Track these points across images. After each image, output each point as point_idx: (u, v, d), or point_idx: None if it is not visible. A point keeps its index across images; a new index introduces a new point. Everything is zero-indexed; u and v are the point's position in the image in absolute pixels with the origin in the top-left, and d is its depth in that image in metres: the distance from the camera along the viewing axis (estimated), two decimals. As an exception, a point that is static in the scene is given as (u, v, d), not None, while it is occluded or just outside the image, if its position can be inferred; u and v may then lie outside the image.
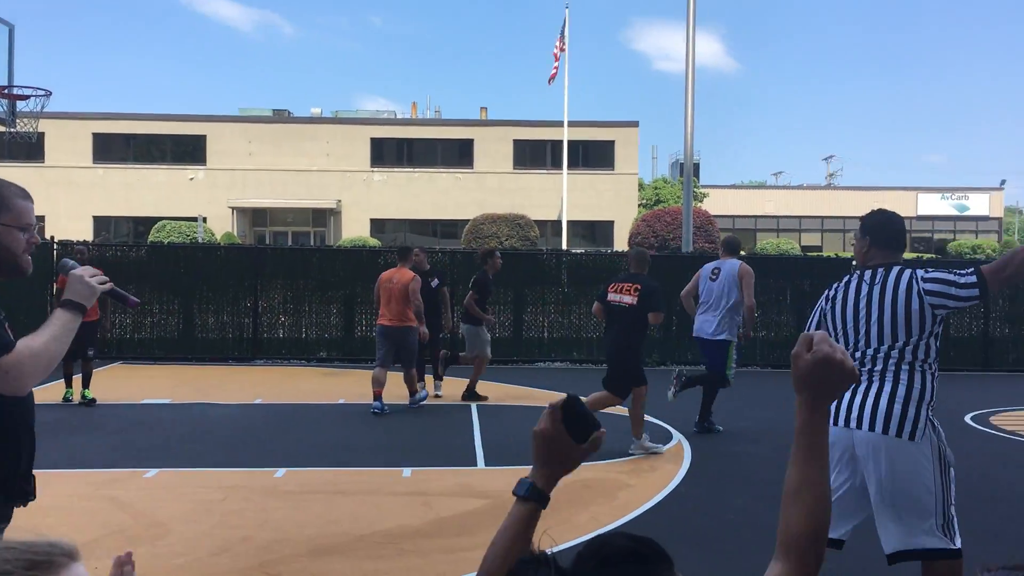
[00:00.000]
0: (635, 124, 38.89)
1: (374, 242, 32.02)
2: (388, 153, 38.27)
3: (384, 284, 10.17)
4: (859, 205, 48.17)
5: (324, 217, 38.00)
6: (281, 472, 7.03)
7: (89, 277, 2.48)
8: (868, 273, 3.79)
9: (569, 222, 34.67)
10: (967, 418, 9.93)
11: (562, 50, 32.15)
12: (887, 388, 3.60)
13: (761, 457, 7.86)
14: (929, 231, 48.15)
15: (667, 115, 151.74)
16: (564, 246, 32.20)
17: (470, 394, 10.90)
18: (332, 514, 5.88)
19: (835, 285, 3.94)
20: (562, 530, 5.55)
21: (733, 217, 46.85)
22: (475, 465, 7.50)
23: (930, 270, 3.72)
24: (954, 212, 48.21)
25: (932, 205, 48.15)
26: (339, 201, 37.29)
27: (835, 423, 3.74)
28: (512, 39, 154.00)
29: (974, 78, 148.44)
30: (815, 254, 32.12)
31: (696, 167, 48.37)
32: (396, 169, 37.93)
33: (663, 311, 7.84)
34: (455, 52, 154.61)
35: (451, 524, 5.71)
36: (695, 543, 5.41)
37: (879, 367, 3.64)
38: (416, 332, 10.13)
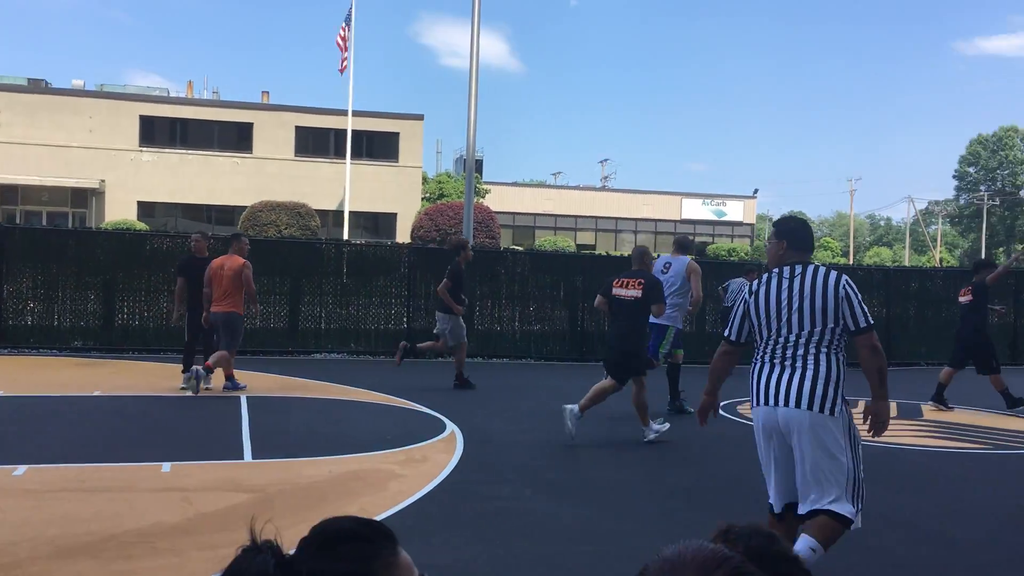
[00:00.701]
0: (420, 117, 38.94)
1: (142, 226, 30.10)
2: (159, 132, 36.10)
3: (215, 272, 10.29)
4: (630, 207, 50.87)
5: (85, 198, 35.30)
6: (22, 470, 6.45)
7: None
8: (787, 269, 4.28)
9: (352, 213, 34.20)
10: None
11: (345, 38, 31.60)
12: (809, 371, 4.08)
13: (531, 444, 8.10)
14: (691, 234, 51.55)
15: (453, 110, 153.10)
16: (346, 237, 31.73)
17: (460, 382, 11.31)
18: (79, 513, 5.46)
19: (755, 282, 4.42)
20: (330, 522, 5.45)
21: (514, 214, 48.05)
22: (241, 458, 7.22)
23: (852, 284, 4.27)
24: (713, 217, 51.93)
25: (694, 210, 51.61)
26: (103, 181, 34.76)
27: (761, 403, 4.19)
28: (296, 23, 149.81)
29: (732, 93, 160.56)
30: (589, 252, 33.55)
31: (479, 164, 49.20)
32: (168, 150, 35.86)
33: (664, 303, 8.65)
34: (236, 32, 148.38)
35: (211, 520, 5.46)
36: (463, 531, 5.48)
37: (800, 351, 4.13)
38: (241, 317, 10.42)
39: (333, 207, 36.06)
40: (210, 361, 10.13)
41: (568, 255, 20.16)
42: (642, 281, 8.34)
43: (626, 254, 25.18)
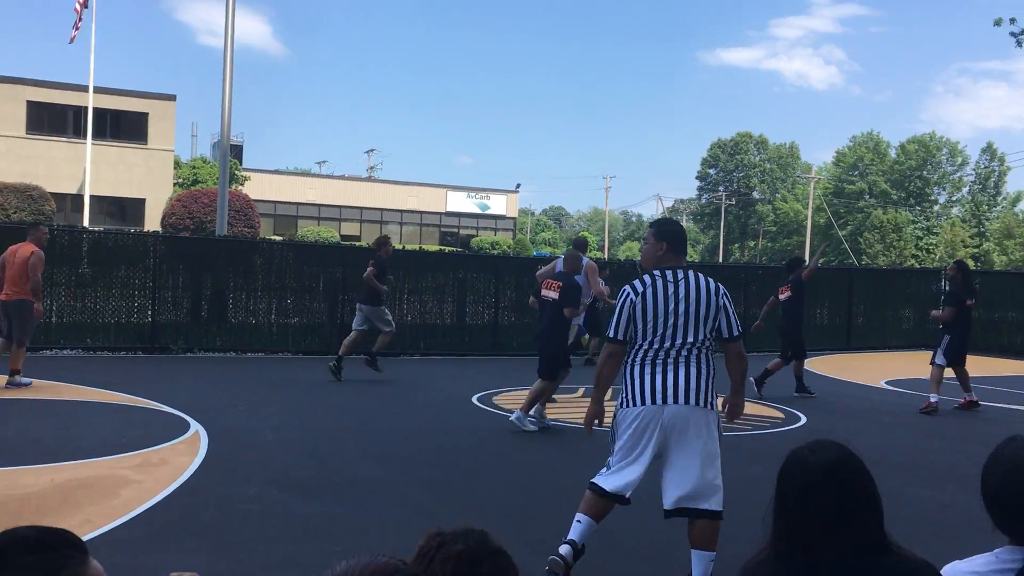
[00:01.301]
0: (172, 98, 36.75)
1: None
2: None
3: (8, 258, 10.04)
4: (396, 198, 50.79)
5: None
6: None
7: None
8: (669, 273, 4.44)
9: (93, 197, 31.72)
10: (474, 399, 10.85)
11: (84, 6, 29.14)
12: (693, 371, 4.34)
13: (282, 442, 7.80)
14: (456, 227, 52.27)
15: (211, 93, 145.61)
16: (86, 223, 29.34)
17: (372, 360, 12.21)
18: None
19: (637, 283, 4.48)
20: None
21: (275, 203, 46.57)
22: (-55, 470, 6.41)
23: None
24: (477, 210, 52.90)
25: (459, 203, 52.35)
26: None
27: (647, 402, 4.33)
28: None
29: (498, 89, 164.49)
30: (351, 243, 33.09)
31: (239, 149, 47.19)
32: None
33: (578, 307, 9.03)
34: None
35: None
36: (203, 536, 5.15)
37: (684, 354, 4.34)
38: (31, 306, 9.99)
39: (72, 191, 33.27)
40: (12, 365, 10.01)
41: (328, 246, 19.75)
42: (560, 284, 8.90)
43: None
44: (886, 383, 14.16)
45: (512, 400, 10.91)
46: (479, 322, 16.79)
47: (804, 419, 10.22)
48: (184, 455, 7.16)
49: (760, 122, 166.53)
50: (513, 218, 55.34)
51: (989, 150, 69.58)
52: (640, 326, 4.43)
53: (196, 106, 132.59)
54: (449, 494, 6.43)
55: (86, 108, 31.20)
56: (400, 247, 19.09)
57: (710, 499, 4.34)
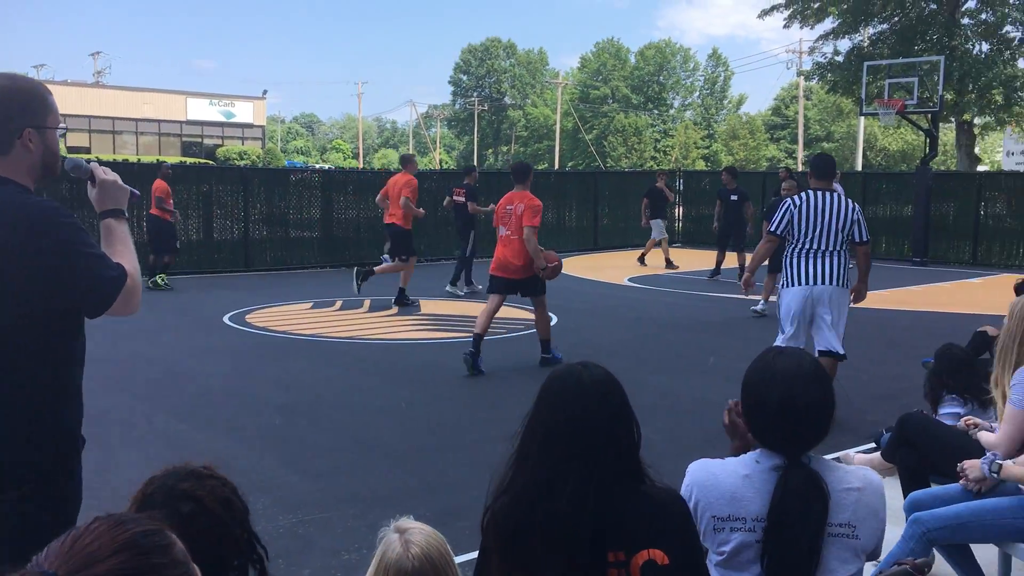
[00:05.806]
0: None
1: None
2: None
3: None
4: (129, 105, 46.95)
5: None
6: None
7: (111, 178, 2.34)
8: (820, 194, 6.28)
9: None
10: (225, 318, 10.44)
11: None
12: (836, 262, 6.18)
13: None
14: (199, 136, 49.27)
15: None
16: None
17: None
18: None
19: (796, 198, 6.34)
20: None
21: (-14, 112, 41.55)
22: None
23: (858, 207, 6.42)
24: (222, 119, 50.06)
25: (202, 110, 49.24)
26: None
27: (802, 283, 6.16)
28: None
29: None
30: (86, 156, 30.31)
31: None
32: None
33: None
34: None
35: None
36: None
37: (828, 250, 6.18)
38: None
39: None
40: None
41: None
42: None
43: (128, 158, 22.92)
44: (629, 280, 15.08)
45: (265, 318, 10.58)
46: (229, 237, 16.05)
47: (554, 319, 10.69)
48: None
49: (509, 27, 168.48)
50: (261, 126, 52.94)
51: (715, 56, 74.67)
52: (796, 229, 6.20)
53: None
54: (192, 418, 6.19)
55: None
56: (136, 160, 17.74)
57: (839, 344, 6.18)
